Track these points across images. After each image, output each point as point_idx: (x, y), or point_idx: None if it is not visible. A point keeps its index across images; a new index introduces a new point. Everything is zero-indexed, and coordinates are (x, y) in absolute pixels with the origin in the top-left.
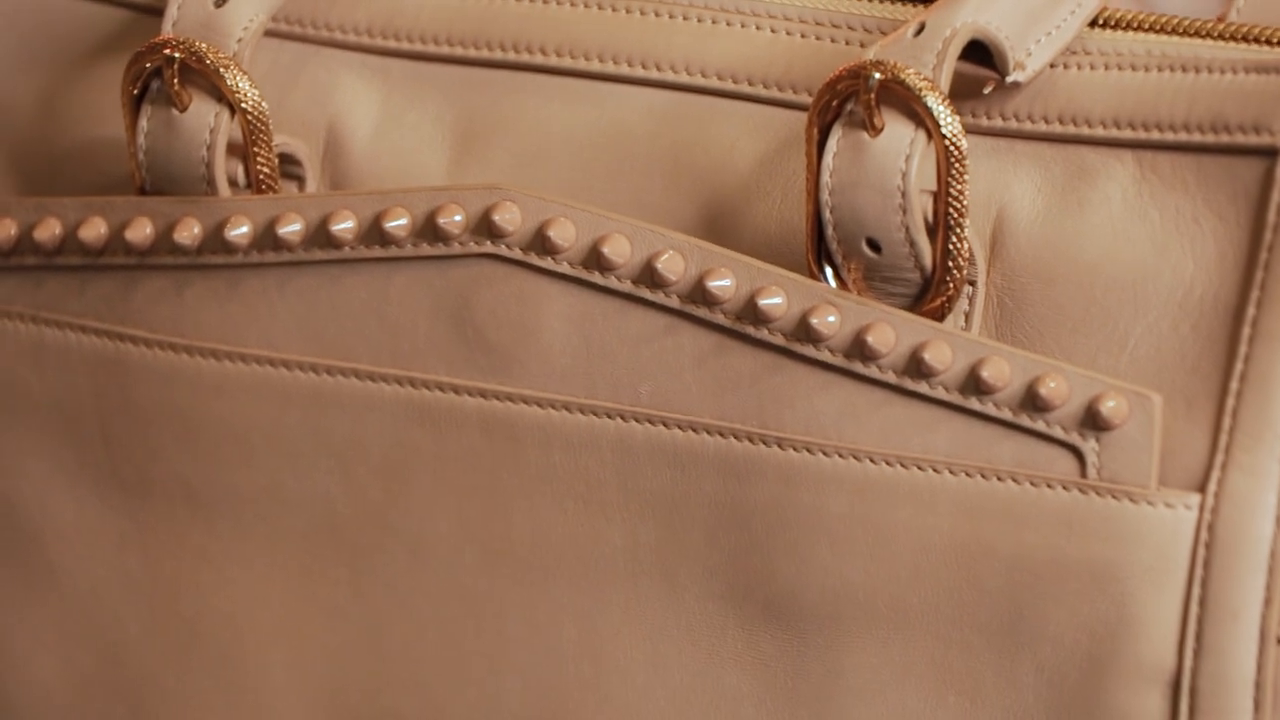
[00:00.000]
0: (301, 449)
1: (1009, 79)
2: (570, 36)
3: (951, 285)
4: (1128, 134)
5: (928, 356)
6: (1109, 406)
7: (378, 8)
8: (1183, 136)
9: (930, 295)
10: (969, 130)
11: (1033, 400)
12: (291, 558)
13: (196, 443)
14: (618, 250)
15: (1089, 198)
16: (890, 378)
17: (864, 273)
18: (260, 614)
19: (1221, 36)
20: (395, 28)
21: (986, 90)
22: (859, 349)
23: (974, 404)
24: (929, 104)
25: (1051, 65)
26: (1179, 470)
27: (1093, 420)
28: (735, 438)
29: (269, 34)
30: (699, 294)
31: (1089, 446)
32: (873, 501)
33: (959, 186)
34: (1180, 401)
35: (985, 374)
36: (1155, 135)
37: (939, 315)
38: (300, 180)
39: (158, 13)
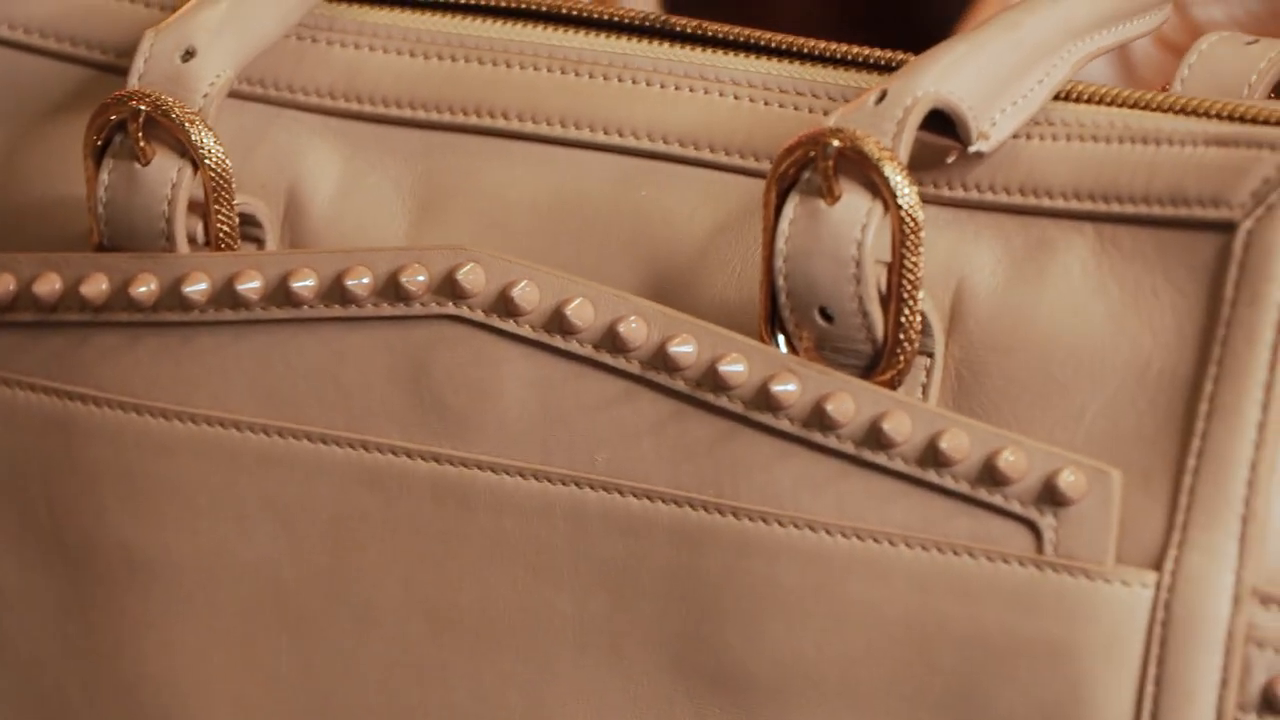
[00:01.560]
0: (248, 512)
1: (971, 149)
2: (533, 101)
3: (902, 358)
4: (1088, 206)
5: (887, 427)
6: (1067, 481)
7: (341, 70)
8: (1142, 209)
9: (881, 367)
10: (930, 200)
11: (990, 474)
12: (234, 624)
13: (141, 505)
14: (581, 314)
15: (1048, 270)
16: (849, 448)
17: (815, 342)
18: (202, 681)
19: (1182, 111)
20: (358, 90)
21: (949, 160)
22: (818, 418)
23: (932, 477)
24: (886, 174)
25: (1014, 136)
26: (1135, 547)
27: (1050, 495)
28: (691, 506)
29: (234, 95)
30: (660, 360)
31: (1046, 522)
32: (827, 574)
33: (914, 258)
34: (1137, 478)
35: (944, 446)
36: (1115, 208)
37: (889, 387)
38: (260, 242)
39: (122, 72)
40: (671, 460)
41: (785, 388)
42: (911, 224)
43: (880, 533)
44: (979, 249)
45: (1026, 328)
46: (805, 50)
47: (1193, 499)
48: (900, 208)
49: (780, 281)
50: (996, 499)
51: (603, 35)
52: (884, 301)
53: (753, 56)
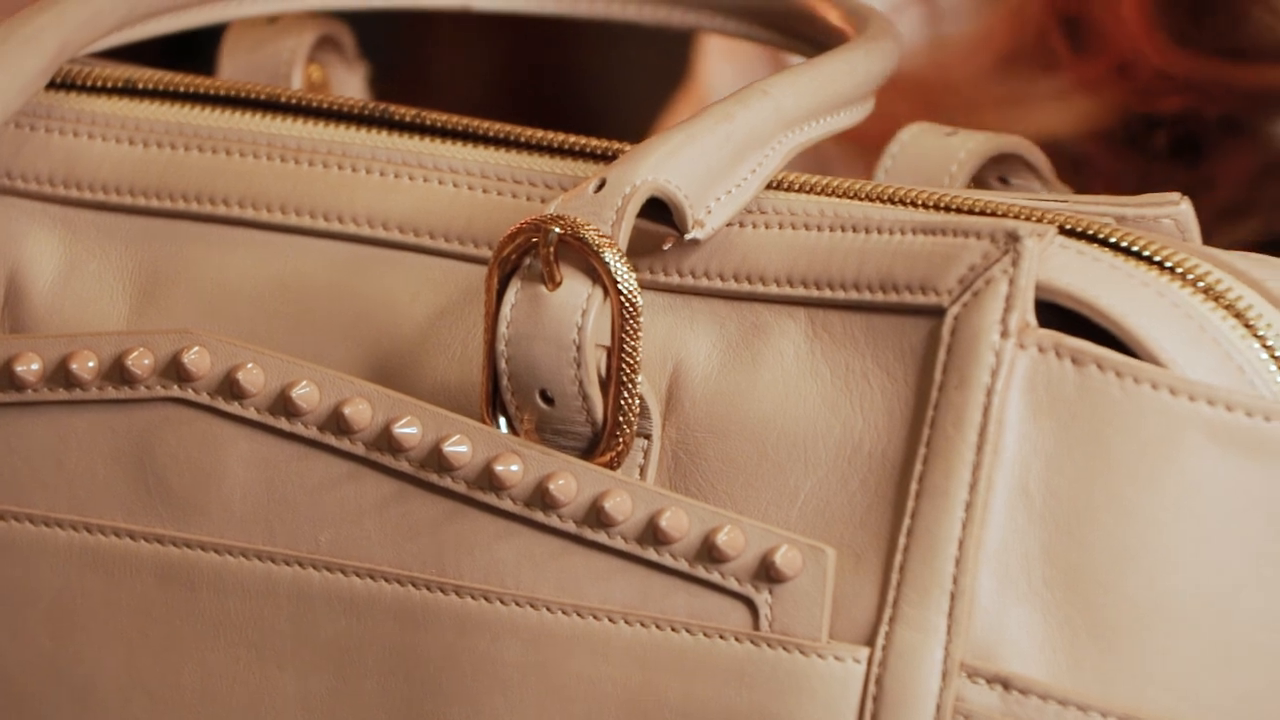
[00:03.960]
0: None
1: (688, 236)
2: (253, 188)
3: (622, 440)
4: (800, 292)
5: (608, 506)
6: (783, 559)
7: (60, 158)
8: (853, 295)
9: (601, 448)
10: (648, 286)
11: (709, 551)
12: None
13: None
14: (306, 397)
15: (763, 354)
16: (570, 527)
17: (537, 424)
18: None
19: (890, 200)
20: (77, 177)
21: (666, 247)
22: (540, 498)
23: (651, 554)
24: (606, 260)
25: (729, 224)
26: (849, 624)
27: (766, 572)
28: (414, 585)
29: None
30: (384, 441)
31: (762, 598)
32: (548, 651)
33: (633, 343)
34: (850, 556)
35: (663, 524)
36: (827, 294)
37: (610, 468)
38: None
39: None
40: (395, 540)
41: (508, 468)
42: (631, 309)
43: (600, 610)
44: (695, 334)
45: (741, 410)
46: (523, 139)
47: (903, 576)
48: (620, 293)
49: (502, 365)
50: (714, 576)
51: (322, 124)
52: (603, 385)
53: (470, 145)
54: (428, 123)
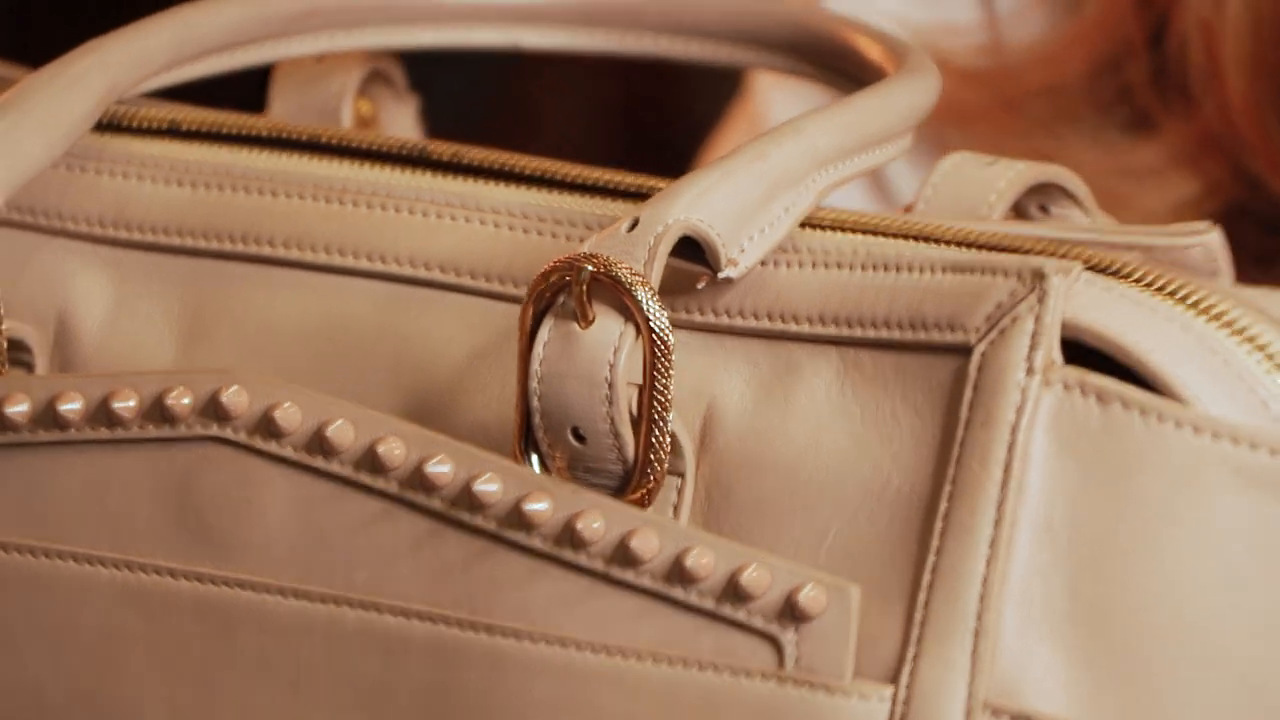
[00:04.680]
0: (13, 633)
1: (721, 275)
2: (299, 229)
3: (653, 477)
4: (832, 330)
5: (635, 544)
6: (808, 597)
7: (109, 199)
8: (883, 334)
9: (632, 486)
10: (681, 325)
11: (734, 590)
12: None
13: None
14: (341, 435)
15: (794, 393)
16: (598, 565)
17: (568, 462)
18: None
19: (919, 237)
20: (126, 218)
21: (700, 286)
22: (569, 536)
23: (678, 593)
24: (638, 298)
25: (762, 263)
26: (873, 661)
27: (791, 611)
28: (446, 624)
29: (1, 223)
30: (417, 479)
31: (788, 637)
32: (577, 689)
33: (664, 381)
34: (875, 593)
35: (689, 563)
36: (858, 332)
37: (640, 506)
38: (29, 366)
39: None
40: (428, 579)
41: (537, 506)
42: (662, 347)
43: (629, 649)
44: (728, 372)
45: (774, 449)
46: (560, 178)
47: (928, 614)
48: (652, 331)
49: (535, 403)
50: (740, 615)
51: (367, 165)
52: (635, 423)
53: (510, 185)
54: (465, 161)
